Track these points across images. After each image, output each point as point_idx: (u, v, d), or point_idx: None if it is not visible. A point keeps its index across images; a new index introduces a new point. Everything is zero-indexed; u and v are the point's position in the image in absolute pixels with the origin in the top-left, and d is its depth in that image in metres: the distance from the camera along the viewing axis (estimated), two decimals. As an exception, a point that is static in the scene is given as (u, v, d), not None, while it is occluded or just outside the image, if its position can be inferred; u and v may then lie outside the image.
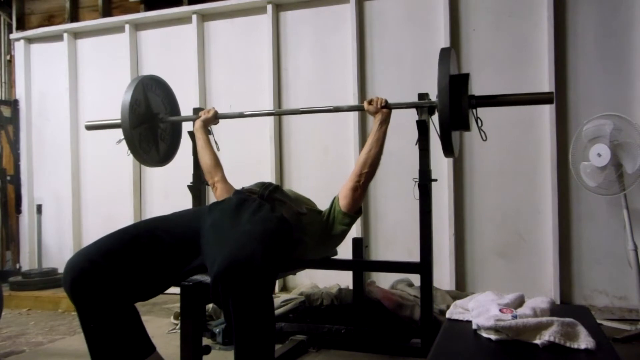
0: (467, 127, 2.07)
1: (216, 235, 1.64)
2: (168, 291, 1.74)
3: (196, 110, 2.62)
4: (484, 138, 2.07)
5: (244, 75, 3.70)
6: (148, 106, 2.41)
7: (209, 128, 2.64)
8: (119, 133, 2.35)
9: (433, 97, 2.08)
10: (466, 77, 2.03)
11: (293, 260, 1.86)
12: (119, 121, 2.29)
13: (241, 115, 2.47)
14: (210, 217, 1.75)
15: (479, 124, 2.07)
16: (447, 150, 2.02)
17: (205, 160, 2.29)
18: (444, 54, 1.98)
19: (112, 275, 1.55)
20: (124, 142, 2.32)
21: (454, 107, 1.93)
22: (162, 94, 2.53)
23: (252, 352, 1.46)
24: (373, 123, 2.06)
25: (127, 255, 1.59)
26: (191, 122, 2.52)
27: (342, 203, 1.93)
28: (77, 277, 1.52)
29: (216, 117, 2.41)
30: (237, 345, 1.46)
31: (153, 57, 3.95)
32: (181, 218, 1.81)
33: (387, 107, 2.06)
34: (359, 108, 2.27)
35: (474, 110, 2.08)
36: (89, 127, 2.61)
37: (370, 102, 2.09)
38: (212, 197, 3.04)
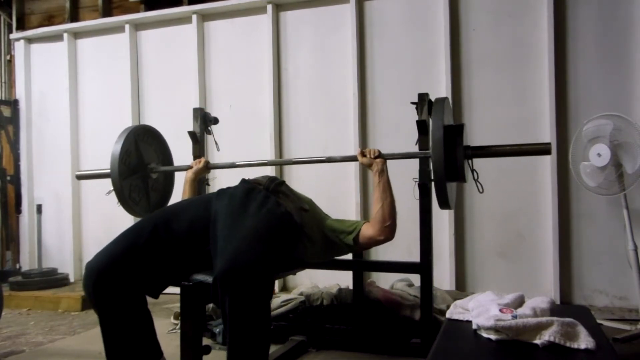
0: (462, 179, 2.00)
1: (223, 226, 1.64)
2: (168, 291, 1.74)
3: (196, 111, 2.61)
4: (481, 190, 2.01)
5: (244, 75, 3.70)
6: (139, 156, 2.38)
7: (209, 128, 2.64)
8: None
9: (432, 97, 2.07)
10: (461, 127, 1.98)
11: (293, 259, 1.86)
12: (109, 171, 2.26)
13: (232, 166, 2.40)
14: (218, 204, 1.75)
15: (475, 176, 2.01)
16: (443, 202, 1.95)
17: None
18: (438, 104, 1.92)
19: (135, 272, 1.58)
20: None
21: (448, 159, 1.88)
22: (155, 143, 2.49)
23: (245, 355, 1.46)
24: (372, 176, 2.01)
25: (147, 250, 1.62)
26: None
27: (362, 240, 1.91)
28: (99, 278, 1.55)
29: (207, 167, 2.38)
30: (230, 347, 1.46)
31: (153, 57, 3.95)
32: (193, 207, 1.80)
33: (381, 157, 2.02)
34: (352, 158, 2.16)
35: (470, 161, 2.03)
36: (80, 177, 2.62)
37: (363, 154, 2.04)
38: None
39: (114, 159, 2.23)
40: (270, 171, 3.50)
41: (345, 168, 3.42)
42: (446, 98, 2.01)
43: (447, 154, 1.87)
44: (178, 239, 1.67)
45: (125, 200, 2.28)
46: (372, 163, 1.99)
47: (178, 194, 2.39)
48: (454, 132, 1.95)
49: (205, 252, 1.66)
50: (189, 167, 2.37)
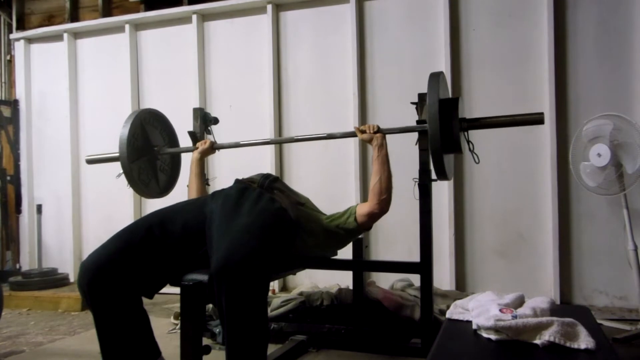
0: (459, 150, 2.05)
1: (218, 226, 1.66)
2: (168, 291, 1.74)
3: (196, 111, 2.62)
4: (477, 161, 2.08)
5: (244, 75, 3.70)
6: (146, 139, 2.42)
7: (209, 128, 2.65)
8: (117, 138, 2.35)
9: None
10: (456, 100, 2.01)
11: (291, 256, 1.87)
12: (118, 154, 2.30)
13: (237, 145, 2.44)
14: (213, 205, 1.78)
15: (471, 147, 2.07)
16: (440, 174, 2.00)
17: (191, 190, 2.31)
18: (433, 79, 1.95)
19: (129, 271, 1.59)
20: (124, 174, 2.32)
21: (444, 131, 1.92)
22: (160, 126, 2.54)
23: (243, 353, 1.46)
24: (372, 150, 2.06)
25: (142, 250, 1.63)
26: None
27: (360, 219, 1.96)
28: (94, 277, 1.55)
29: (213, 148, 2.42)
30: (228, 344, 1.47)
31: (153, 57, 3.95)
32: (188, 209, 1.82)
33: (380, 132, 2.06)
34: (352, 134, 2.18)
35: (466, 133, 2.07)
36: (90, 161, 2.63)
37: (362, 131, 2.08)
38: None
39: (122, 142, 2.27)
40: (270, 167, 3.51)
41: (345, 167, 3.42)
42: (441, 72, 2.04)
43: (443, 126, 1.91)
44: (173, 238, 1.68)
45: (135, 182, 2.34)
46: (372, 138, 2.04)
47: (185, 175, 2.44)
48: (450, 105, 1.99)
49: (200, 253, 1.67)
50: (195, 149, 2.42)
